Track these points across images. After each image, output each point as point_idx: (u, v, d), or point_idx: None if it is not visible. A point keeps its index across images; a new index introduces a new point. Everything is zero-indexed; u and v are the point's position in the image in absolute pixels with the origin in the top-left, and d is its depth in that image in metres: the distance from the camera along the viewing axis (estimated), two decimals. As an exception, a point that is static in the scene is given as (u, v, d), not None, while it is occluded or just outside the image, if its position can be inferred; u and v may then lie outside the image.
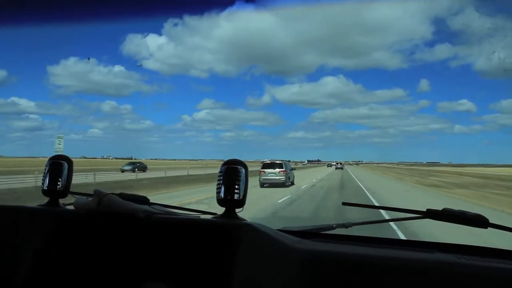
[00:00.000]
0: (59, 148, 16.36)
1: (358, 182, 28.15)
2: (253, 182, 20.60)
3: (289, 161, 24.39)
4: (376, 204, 9.97)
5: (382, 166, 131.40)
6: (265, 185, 20.45)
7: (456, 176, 41.90)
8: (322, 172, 49.36)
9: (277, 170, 20.79)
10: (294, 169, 28.21)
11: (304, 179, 29.25)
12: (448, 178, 35.69)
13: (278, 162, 21.41)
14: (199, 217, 1.25)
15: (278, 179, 20.58)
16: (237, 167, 1.16)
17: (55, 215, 1.25)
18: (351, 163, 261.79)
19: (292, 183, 22.33)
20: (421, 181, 30.92)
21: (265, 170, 21.04)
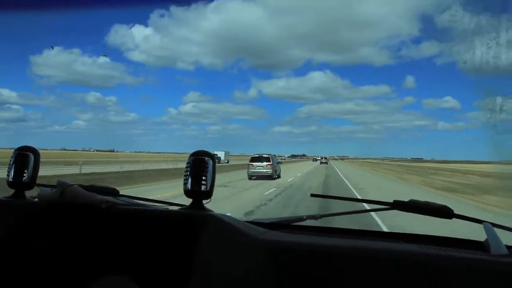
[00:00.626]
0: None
1: (350, 185, 20.15)
2: (242, 175, 23.21)
3: (274, 155, 25.31)
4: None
5: (368, 162, 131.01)
6: (253, 178, 21.91)
7: (460, 175, 33.16)
8: (298, 170, 38.21)
9: (265, 163, 22.35)
10: (280, 162, 29.40)
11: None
12: (454, 178, 28.67)
13: (265, 156, 22.90)
14: (167, 208, 1.25)
15: (265, 172, 22.10)
16: (204, 158, 1.16)
17: (17, 207, 1.24)
18: (336, 158, 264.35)
19: (279, 176, 23.68)
20: (428, 182, 23.75)
21: (253, 163, 22.58)
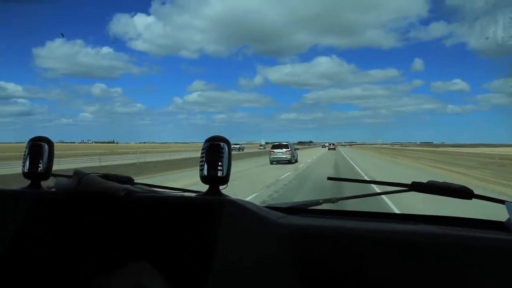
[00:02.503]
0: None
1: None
2: (260, 161, 28.16)
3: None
4: None
5: (378, 147, 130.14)
6: (273, 163, 25.86)
7: (498, 166, 23.88)
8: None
9: (284, 150, 26.70)
10: (297, 149, 33.92)
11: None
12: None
13: (284, 143, 27.49)
14: (183, 195, 1.27)
15: (285, 157, 26.34)
16: (219, 144, 1.17)
17: (35, 196, 1.27)
18: (344, 144, 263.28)
19: (296, 161, 27.66)
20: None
21: (274, 150, 27.08)
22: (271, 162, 26.00)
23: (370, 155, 49.72)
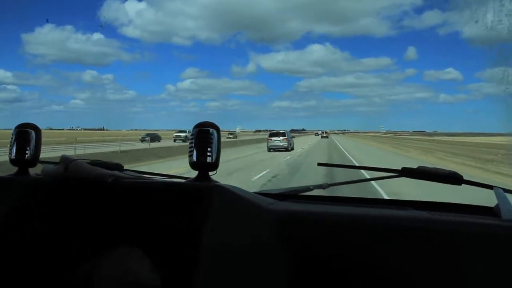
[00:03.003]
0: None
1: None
2: (261, 148, 30.29)
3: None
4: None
5: (371, 136, 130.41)
6: (271, 150, 27.31)
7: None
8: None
9: (281, 138, 28.17)
10: (294, 137, 35.69)
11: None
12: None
13: (281, 131, 29.13)
14: (172, 181, 1.27)
15: (282, 145, 27.79)
16: (208, 130, 1.17)
17: (21, 183, 1.26)
18: (336, 132, 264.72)
19: (293, 149, 29.07)
20: None
21: (272, 138, 28.48)
22: (269, 150, 27.33)
23: (368, 146, 44.32)
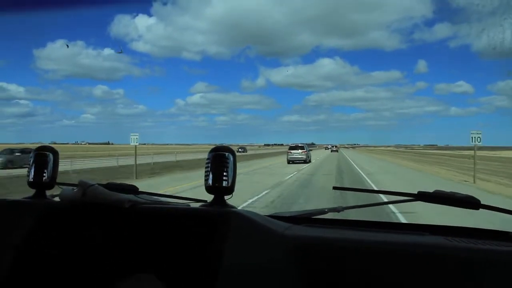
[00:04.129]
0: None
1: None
2: (280, 159, 35.70)
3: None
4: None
5: (383, 150, 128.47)
6: (290, 162, 30.52)
7: None
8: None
9: (300, 151, 31.69)
10: (311, 150, 39.69)
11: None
12: None
13: (300, 145, 32.79)
14: (189, 205, 1.29)
15: (301, 157, 31.19)
16: (224, 154, 1.20)
17: (40, 207, 1.30)
18: (346, 146, 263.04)
19: (310, 161, 32.65)
20: None
21: (291, 151, 32.02)
22: (288, 162, 30.60)
23: (388, 163, 36.17)
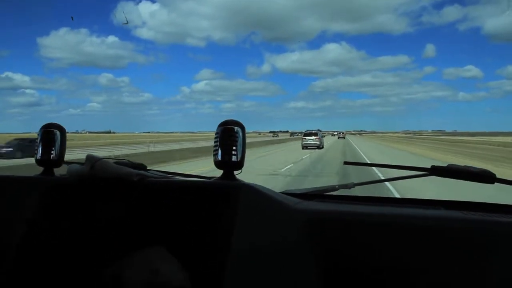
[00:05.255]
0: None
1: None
2: (294, 145, 38.51)
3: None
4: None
5: (392, 136, 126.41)
6: (305, 147, 33.33)
7: None
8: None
9: (313, 137, 34.61)
10: (324, 136, 42.90)
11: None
12: None
13: (314, 131, 35.84)
14: (198, 180, 1.28)
15: (314, 143, 34.05)
16: (233, 128, 1.19)
17: (48, 183, 1.30)
18: (353, 132, 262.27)
19: (323, 147, 35.14)
20: None
21: (306, 137, 35.08)
22: (303, 147, 33.44)
23: (406, 152, 30.64)
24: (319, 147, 33.82)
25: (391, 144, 48.49)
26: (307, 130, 36.72)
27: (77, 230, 1.16)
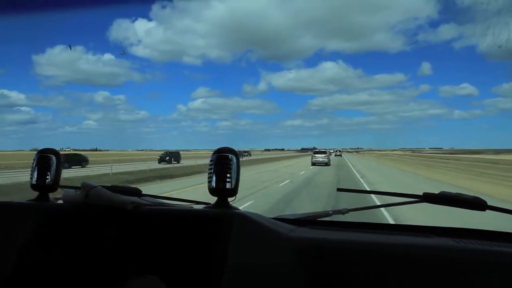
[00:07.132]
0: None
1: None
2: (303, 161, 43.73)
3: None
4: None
5: (391, 154, 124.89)
6: (314, 164, 36.94)
7: None
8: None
9: (323, 155, 38.79)
10: (331, 154, 51.22)
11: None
12: None
13: (322, 150, 41.94)
14: (192, 207, 1.31)
15: (323, 160, 37.89)
16: (227, 156, 1.23)
17: (43, 210, 1.32)
18: (349, 150, 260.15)
19: (330, 164, 38.18)
20: None
21: (315, 155, 39.69)
22: (313, 164, 37.29)
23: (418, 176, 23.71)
24: (327, 164, 37.03)
25: (400, 166, 40.05)
26: (315, 148, 42.56)
27: (72, 257, 1.18)
